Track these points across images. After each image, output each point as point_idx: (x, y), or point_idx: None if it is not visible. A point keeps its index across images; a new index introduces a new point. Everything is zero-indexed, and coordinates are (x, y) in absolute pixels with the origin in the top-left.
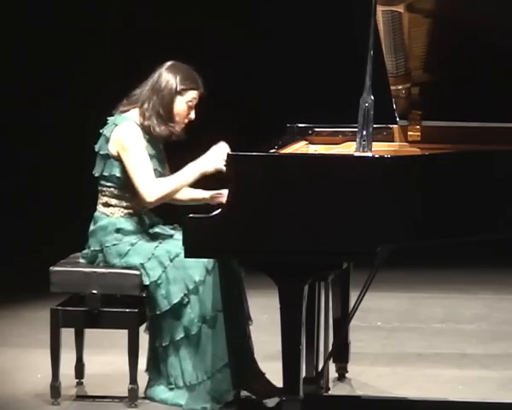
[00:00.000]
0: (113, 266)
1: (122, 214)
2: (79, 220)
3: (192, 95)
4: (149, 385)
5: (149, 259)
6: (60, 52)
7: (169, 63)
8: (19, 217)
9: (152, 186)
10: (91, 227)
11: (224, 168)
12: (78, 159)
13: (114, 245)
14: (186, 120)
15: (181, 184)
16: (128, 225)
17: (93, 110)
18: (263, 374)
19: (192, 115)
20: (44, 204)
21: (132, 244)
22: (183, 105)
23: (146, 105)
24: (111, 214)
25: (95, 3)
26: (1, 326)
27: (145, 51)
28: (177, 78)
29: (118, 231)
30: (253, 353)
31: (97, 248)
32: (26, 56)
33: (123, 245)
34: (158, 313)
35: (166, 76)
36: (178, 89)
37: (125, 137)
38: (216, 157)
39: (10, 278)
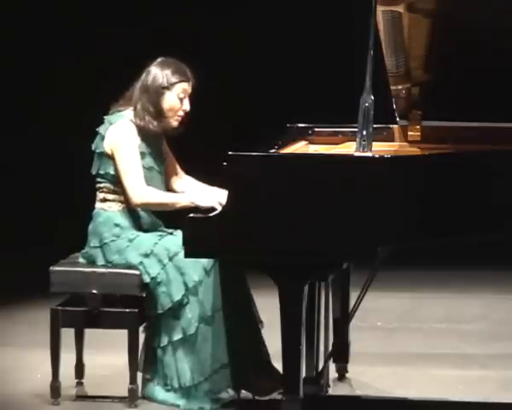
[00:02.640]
0: (112, 264)
1: (120, 208)
2: (79, 220)
3: (181, 87)
4: (146, 385)
5: (148, 256)
6: (58, 52)
7: (158, 60)
8: (19, 217)
9: (139, 190)
10: (90, 225)
11: (218, 208)
12: (78, 158)
13: (113, 241)
14: (181, 113)
15: (170, 202)
16: (126, 219)
17: (91, 110)
18: (272, 375)
19: (186, 107)
20: (44, 204)
21: (130, 240)
22: (175, 99)
23: (138, 106)
24: (108, 208)
25: (94, 2)
26: (1, 326)
27: (145, 51)
28: (165, 73)
29: (116, 225)
30: (262, 353)
31: (97, 245)
32: (26, 55)
33: (121, 241)
34: (160, 311)
35: (154, 73)
36: (166, 84)
37: (118, 136)
38: (213, 199)
39: (10, 278)
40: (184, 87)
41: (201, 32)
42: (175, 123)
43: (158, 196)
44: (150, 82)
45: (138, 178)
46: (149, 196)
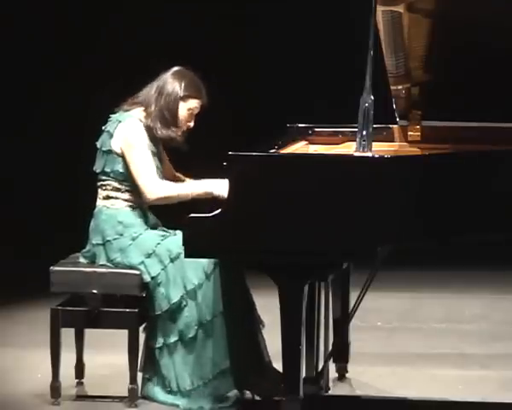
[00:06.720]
0: (113, 262)
1: (123, 206)
2: (79, 220)
3: (194, 103)
4: (145, 385)
5: (150, 255)
6: (59, 51)
7: (175, 69)
8: (19, 216)
9: (155, 185)
10: (92, 223)
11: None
12: (78, 158)
13: (116, 239)
14: (185, 127)
15: (184, 193)
16: (129, 217)
17: (92, 110)
18: (272, 376)
19: (191, 123)
20: (44, 204)
21: (133, 238)
22: (184, 111)
23: (152, 108)
24: (111, 206)
25: (95, 2)
26: (1, 326)
27: (145, 52)
28: (182, 83)
29: (119, 223)
30: (263, 354)
31: (99, 242)
32: (26, 55)
33: (124, 240)
34: (158, 312)
35: (172, 81)
36: (182, 94)
37: (130, 134)
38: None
39: (10, 278)
40: (196, 104)
41: (201, 31)
42: (179, 134)
43: (174, 189)
44: (170, 89)
45: (152, 174)
46: (166, 190)
